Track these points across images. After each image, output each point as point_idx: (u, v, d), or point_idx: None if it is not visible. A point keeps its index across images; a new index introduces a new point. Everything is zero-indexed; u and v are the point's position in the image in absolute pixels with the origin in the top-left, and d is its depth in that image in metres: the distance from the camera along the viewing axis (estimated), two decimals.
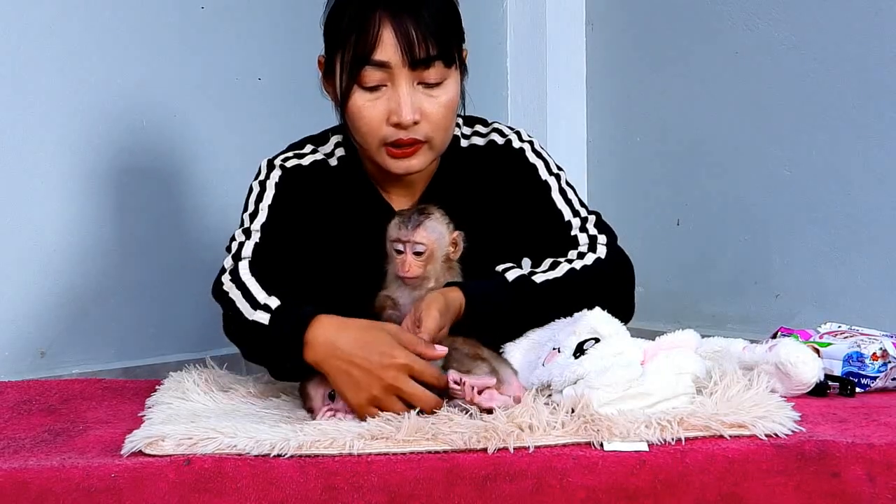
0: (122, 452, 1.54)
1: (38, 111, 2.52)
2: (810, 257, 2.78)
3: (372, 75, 1.89)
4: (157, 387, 1.89)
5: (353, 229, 2.02)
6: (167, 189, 2.71)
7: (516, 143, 2.06)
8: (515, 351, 1.83)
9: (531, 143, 2.07)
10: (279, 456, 1.50)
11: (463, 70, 1.99)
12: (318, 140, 2.10)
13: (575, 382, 1.65)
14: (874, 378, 1.87)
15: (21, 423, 1.79)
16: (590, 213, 2.01)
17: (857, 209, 2.68)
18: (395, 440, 1.52)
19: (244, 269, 1.86)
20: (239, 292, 1.83)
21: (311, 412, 1.71)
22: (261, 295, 1.81)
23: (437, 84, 1.91)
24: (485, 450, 1.50)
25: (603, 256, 1.91)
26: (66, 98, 2.55)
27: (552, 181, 2.03)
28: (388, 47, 1.87)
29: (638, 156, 3.22)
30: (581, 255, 1.91)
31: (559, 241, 1.96)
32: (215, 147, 2.77)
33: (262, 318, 1.77)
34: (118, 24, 2.62)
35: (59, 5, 2.53)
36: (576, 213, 1.99)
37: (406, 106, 1.88)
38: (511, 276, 1.86)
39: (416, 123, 1.90)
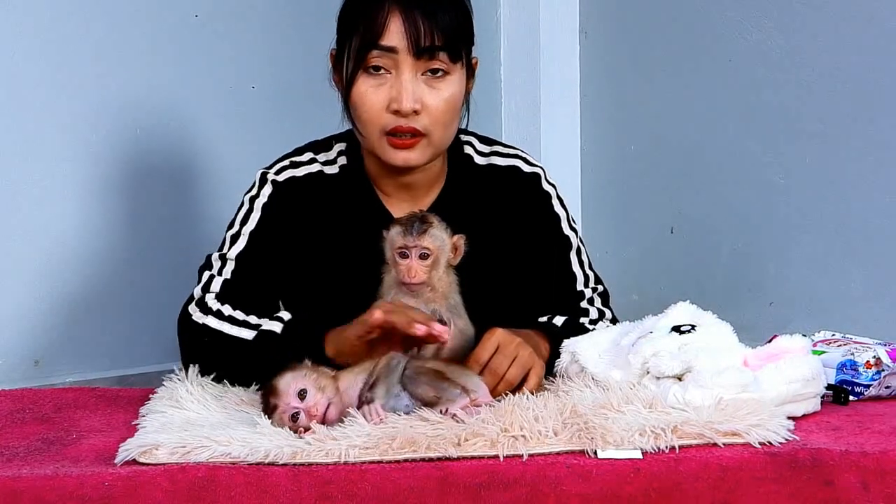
0: (115, 461, 1.54)
1: (30, 120, 2.51)
2: (804, 265, 2.78)
3: (377, 59, 1.94)
4: (150, 395, 1.88)
5: (351, 238, 2.02)
6: (161, 197, 2.71)
7: (545, 185, 2.14)
8: (584, 342, 1.89)
9: (555, 186, 2.15)
10: (273, 464, 1.50)
11: (470, 74, 2.03)
12: (321, 147, 2.11)
13: (680, 375, 1.67)
14: (868, 386, 1.87)
15: (14, 432, 1.78)
16: (598, 283, 2.14)
17: (851, 217, 2.69)
18: (389, 449, 1.52)
19: (212, 299, 1.97)
20: (214, 318, 1.93)
21: (273, 411, 1.64)
22: (241, 315, 1.93)
23: (441, 76, 1.95)
24: (479, 458, 1.50)
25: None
26: (59, 107, 2.55)
27: (572, 237, 2.13)
28: (394, 34, 1.93)
29: (632, 163, 3.22)
30: (593, 322, 2.07)
31: (565, 302, 2.09)
32: (209, 155, 2.77)
33: (272, 326, 1.89)
34: (112, 33, 2.61)
35: (54, 13, 2.53)
36: (587, 283, 2.12)
37: (407, 93, 1.93)
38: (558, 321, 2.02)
39: (416, 113, 1.94)
